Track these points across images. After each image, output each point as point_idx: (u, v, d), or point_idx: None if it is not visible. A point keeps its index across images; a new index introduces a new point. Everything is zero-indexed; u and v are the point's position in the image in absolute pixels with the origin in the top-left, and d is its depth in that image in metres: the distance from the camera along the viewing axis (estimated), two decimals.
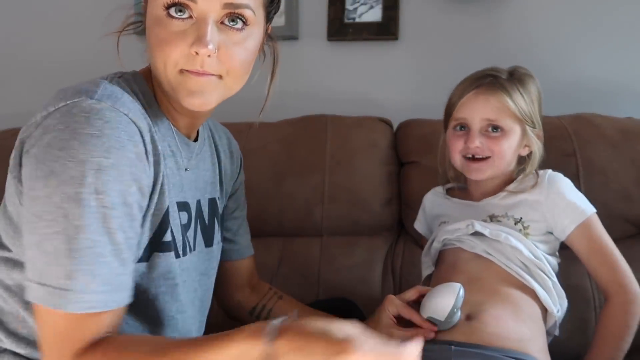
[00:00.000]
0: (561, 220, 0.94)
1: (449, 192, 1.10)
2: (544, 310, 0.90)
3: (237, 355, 0.56)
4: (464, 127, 0.97)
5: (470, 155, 0.96)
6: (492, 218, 0.97)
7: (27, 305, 0.68)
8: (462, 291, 0.81)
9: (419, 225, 1.15)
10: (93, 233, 0.60)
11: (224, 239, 0.94)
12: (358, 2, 1.51)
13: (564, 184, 0.96)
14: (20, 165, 0.65)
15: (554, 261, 0.95)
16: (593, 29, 1.44)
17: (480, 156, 0.95)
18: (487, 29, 1.49)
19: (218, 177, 0.90)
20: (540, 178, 0.96)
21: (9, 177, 0.67)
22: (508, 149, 0.95)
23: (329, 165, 1.29)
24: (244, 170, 1.01)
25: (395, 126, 1.40)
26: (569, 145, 1.20)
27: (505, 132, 0.94)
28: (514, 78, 0.97)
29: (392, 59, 1.53)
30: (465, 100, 0.96)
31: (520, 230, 0.94)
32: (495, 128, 0.95)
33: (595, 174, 1.17)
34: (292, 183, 1.29)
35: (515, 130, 0.95)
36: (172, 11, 0.65)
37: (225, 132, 0.96)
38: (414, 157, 1.31)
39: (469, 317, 0.84)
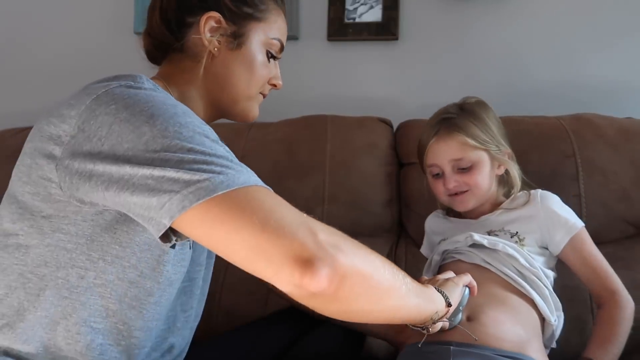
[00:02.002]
0: (555, 234, 0.99)
1: (448, 214, 1.14)
2: (542, 320, 0.93)
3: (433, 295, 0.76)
4: (439, 172, 1.05)
5: (453, 193, 1.04)
6: (490, 233, 1.02)
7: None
8: (467, 291, 0.84)
9: (425, 250, 1.19)
10: (221, 146, 0.66)
11: None
12: (358, 2, 1.51)
13: (555, 202, 1.02)
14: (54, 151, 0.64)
15: (551, 274, 0.99)
16: (593, 29, 1.44)
17: (461, 190, 1.03)
18: (487, 29, 1.49)
19: None
20: (532, 196, 1.03)
21: (30, 163, 0.66)
22: (483, 177, 1.02)
23: (329, 165, 1.30)
24: None
25: (395, 126, 1.40)
26: (569, 146, 1.20)
27: (475, 163, 1.02)
28: (465, 112, 1.04)
29: (392, 59, 1.53)
30: (429, 148, 1.04)
31: (516, 242, 0.99)
32: (464, 164, 1.01)
33: (595, 174, 1.17)
34: (292, 183, 1.29)
35: (483, 159, 1.02)
36: (274, 52, 0.84)
37: None
38: (414, 158, 1.29)
39: (468, 319, 0.87)
